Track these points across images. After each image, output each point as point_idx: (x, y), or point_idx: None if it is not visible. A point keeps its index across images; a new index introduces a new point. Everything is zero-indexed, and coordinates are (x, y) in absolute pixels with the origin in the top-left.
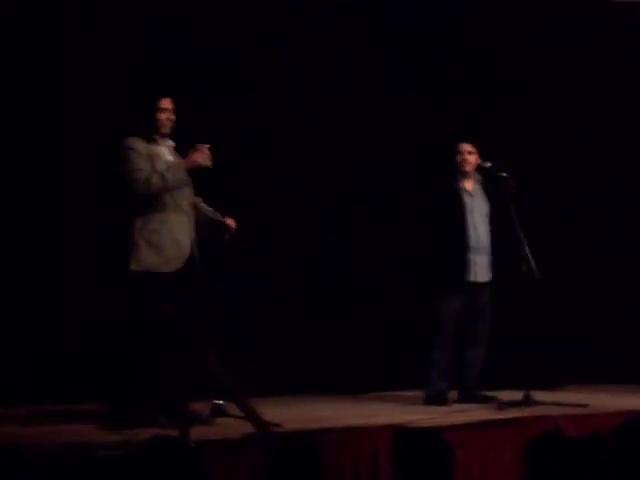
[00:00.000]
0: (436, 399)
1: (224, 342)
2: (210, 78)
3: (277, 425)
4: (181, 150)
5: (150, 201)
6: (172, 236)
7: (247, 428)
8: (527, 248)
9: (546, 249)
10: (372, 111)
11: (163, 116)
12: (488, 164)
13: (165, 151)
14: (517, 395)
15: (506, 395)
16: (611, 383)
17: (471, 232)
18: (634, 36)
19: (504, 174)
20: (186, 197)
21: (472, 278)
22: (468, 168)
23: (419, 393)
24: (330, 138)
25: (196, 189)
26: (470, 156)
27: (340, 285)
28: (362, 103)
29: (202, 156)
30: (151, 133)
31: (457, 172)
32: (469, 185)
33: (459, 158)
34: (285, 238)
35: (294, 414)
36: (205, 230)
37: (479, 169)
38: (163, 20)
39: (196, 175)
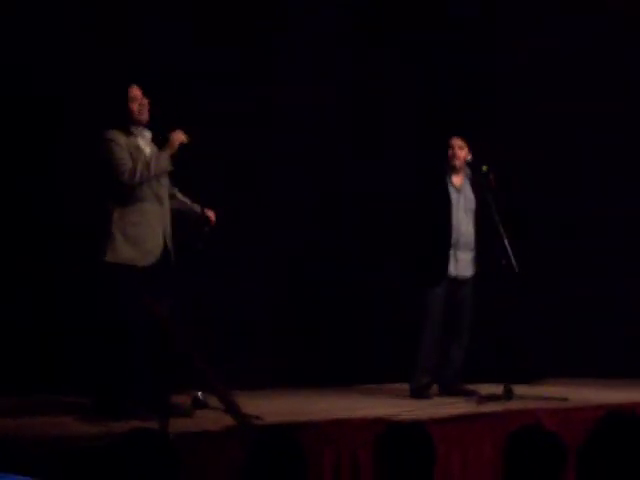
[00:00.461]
0: (419, 392)
1: (205, 335)
2: (210, 78)
3: (257, 417)
4: (158, 140)
5: (128, 192)
6: (149, 229)
7: (227, 420)
8: (507, 242)
9: (546, 250)
10: (372, 111)
11: (134, 105)
12: (469, 158)
13: (142, 142)
14: (497, 389)
15: (486, 389)
16: (591, 377)
17: (454, 228)
18: (634, 36)
19: (484, 168)
20: (164, 187)
21: (453, 273)
22: (457, 163)
23: (407, 386)
24: (330, 138)
25: (192, 187)
26: (460, 151)
27: (329, 280)
28: (362, 103)
29: (178, 136)
30: (127, 124)
31: (447, 167)
32: (457, 180)
33: (449, 152)
34: (284, 237)
35: (276, 407)
36: (184, 221)
37: (467, 164)
38: (163, 20)
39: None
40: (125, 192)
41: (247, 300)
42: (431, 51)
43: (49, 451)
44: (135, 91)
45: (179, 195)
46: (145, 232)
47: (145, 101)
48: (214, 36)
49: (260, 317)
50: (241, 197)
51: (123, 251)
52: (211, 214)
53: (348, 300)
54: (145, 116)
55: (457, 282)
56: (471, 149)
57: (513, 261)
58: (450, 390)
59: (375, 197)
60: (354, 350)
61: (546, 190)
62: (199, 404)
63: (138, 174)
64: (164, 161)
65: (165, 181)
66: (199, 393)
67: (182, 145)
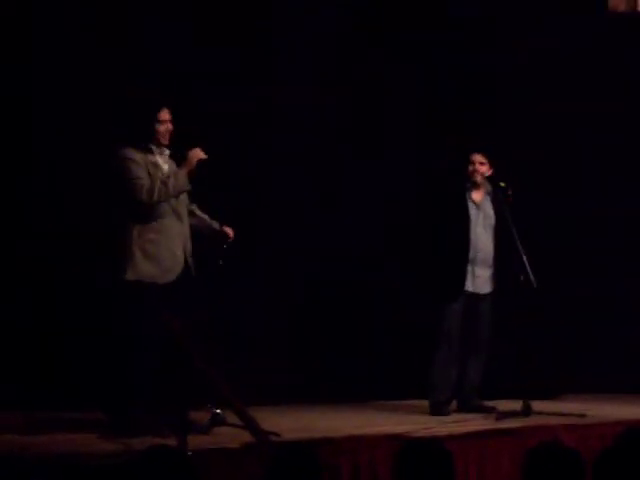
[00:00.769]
0: (437, 409)
1: (223, 350)
2: (210, 78)
3: (276, 434)
4: (177, 157)
5: (147, 210)
6: (169, 247)
7: (246, 437)
8: (525, 258)
9: (546, 250)
10: (372, 111)
11: (162, 128)
12: (489, 173)
13: (160, 160)
14: (516, 405)
15: (505, 405)
16: (609, 393)
17: (472, 244)
18: (634, 36)
19: (502, 184)
20: (183, 204)
21: (470, 289)
22: (479, 179)
23: (424, 402)
24: (330, 138)
25: (195, 192)
26: (481, 167)
27: (343, 291)
28: (362, 103)
29: (196, 154)
30: (147, 143)
31: (467, 182)
32: (477, 196)
33: (470, 168)
34: (285, 239)
35: (293, 423)
36: (203, 238)
37: (487, 179)
38: (163, 20)
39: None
40: (144, 210)
41: (258, 314)
42: (431, 51)
43: (68, 469)
44: (165, 115)
45: (198, 212)
46: (165, 249)
47: (171, 127)
48: (214, 36)
49: (274, 333)
50: (241, 197)
51: (143, 269)
52: (229, 231)
53: (352, 309)
54: (167, 140)
55: (475, 298)
56: (492, 165)
57: (531, 276)
58: (468, 407)
59: (375, 197)
60: (370, 365)
61: (546, 190)
62: (217, 421)
63: (156, 193)
64: (182, 179)
65: (184, 197)
66: (218, 410)
67: (200, 162)
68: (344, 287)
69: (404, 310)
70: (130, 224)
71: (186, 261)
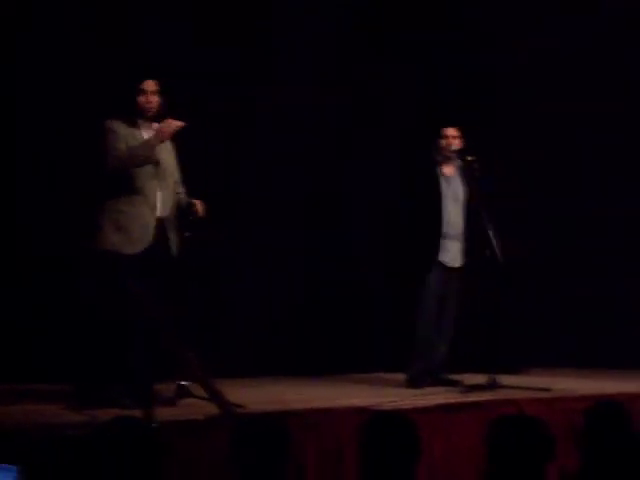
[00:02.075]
0: (415, 381)
1: (193, 323)
2: (210, 78)
3: (240, 406)
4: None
5: (120, 182)
6: (140, 218)
7: (211, 409)
8: (491, 233)
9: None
10: (372, 111)
11: (143, 99)
12: (455, 147)
13: (146, 134)
14: (481, 379)
15: (470, 379)
16: (575, 367)
17: (444, 218)
18: (634, 36)
19: (469, 157)
20: (167, 178)
21: (445, 264)
22: (452, 152)
23: (397, 375)
24: (330, 138)
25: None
26: (454, 140)
27: (321, 264)
28: (362, 103)
29: (168, 126)
30: (133, 116)
31: (438, 156)
32: (449, 170)
33: (443, 142)
34: (283, 236)
35: (261, 396)
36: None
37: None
38: (163, 20)
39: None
40: (116, 181)
41: (236, 292)
42: (431, 51)
43: (32, 439)
44: (147, 85)
45: (180, 189)
46: (134, 220)
47: (156, 99)
48: (214, 36)
49: (246, 307)
50: (241, 197)
51: (111, 238)
52: (199, 205)
53: (340, 291)
54: (151, 112)
55: (448, 271)
56: (463, 139)
57: (497, 251)
58: (436, 380)
59: (375, 196)
60: (343, 339)
61: (546, 190)
62: (183, 393)
63: (123, 162)
64: (149, 150)
65: (170, 172)
66: (183, 382)
67: (177, 131)
68: (322, 260)
69: (382, 282)
70: (104, 194)
71: (166, 239)
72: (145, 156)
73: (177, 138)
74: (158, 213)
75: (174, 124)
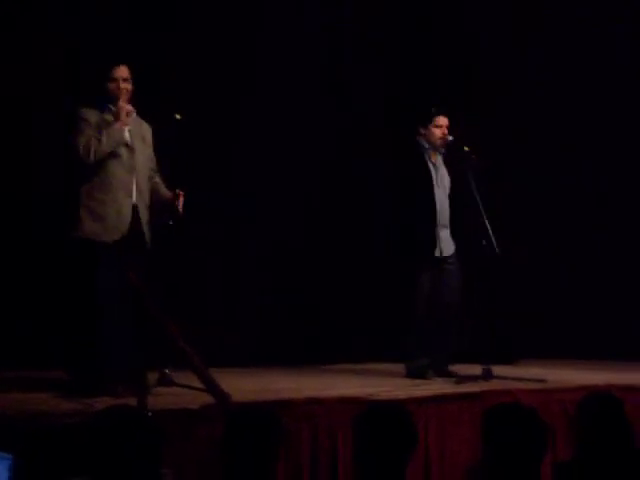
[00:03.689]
0: (417, 373)
1: (187, 312)
2: (209, 81)
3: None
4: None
5: (94, 169)
6: (115, 205)
7: (205, 398)
8: (487, 223)
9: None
10: (371, 111)
11: (113, 85)
12: (451, 138)
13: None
14: (476, 369)
15: (465, 370)
16: (570, 358)
17: (438, 206)
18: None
19: (466, 148)
20: (140, 165)
21: (438, 253)
22: (444, 142)
23: (394, 366)
24: (329, 138)
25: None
26: (447, 130)
27: (312, 254)
28: (362, 103)
29: (123, 108)
30: (105, 102)
31: (429, 145)
32: (435, 158)
33: (438, 131)
34: (276, 226)
35: (254, 385)
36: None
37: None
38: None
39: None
40: (90, 169)
41: (228, 281)
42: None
43: (26, 427)
44: (120, 72)
45: (157, 179)
46: (110, 208)
47: (128, 86)
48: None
49: (239, 296)
50: (240, 195)
51: (87, 227)
52: (180, 193)
53: (334, 281)
54: (125, 100)
55: (442, 261)
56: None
57: (494, 241)
58: (437, 372)
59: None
60: (341, 329)
61: (542, 180)
62: (165, 381)
63: (92, 151)
64: (117, 133)
65: (144, 160)
66: (166, 369)
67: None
68: (314, 252)
69: (375, 272)
70: (78, 183)
71: (141, 228)
72: (117, 140)
73: (158, 129)
74: (133, 200)
75: (126, 108)
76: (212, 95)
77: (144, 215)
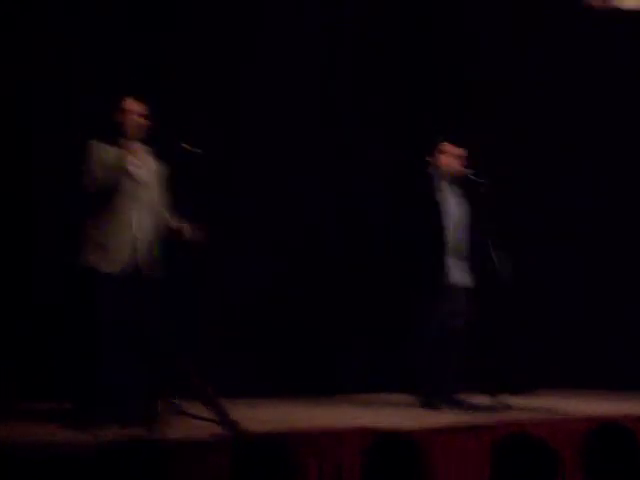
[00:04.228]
0: (426, 403)
1: (195, 343)
2: (208, 84)
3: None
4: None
5: (99, 199)
6: (120, 236)
7: (215, 428)
8: (499, 254)
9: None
10: (370, 111)
11: (126, 118)
12: (468, 170)
13: (131, 157)
14: (486, 400)
15: (475, 399)
16: (579, 389)
17: (450, 235)
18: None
19: (481, 180)
20: (149, 196)
21: (452, 282)
22: (460, 172)
23: (403, 396)
24: (325, 141)
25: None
26: (464, 161)
27: (325, 284)
28: (361, 103)
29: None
30: (117, 136)
31: (444, 175)
32: (450, 187)
33: (455, 162)
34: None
35: (263, 416)
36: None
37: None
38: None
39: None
40: (95, 199)
41: (234, 308)
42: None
43: (36, 458)
44: (130, 105)
45: (165, 214)
46: (109, 238)
47: (142, 120)
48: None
49: (247, 325)
50: (240, 198)
51: (89, 255)
52: (185, 227)
53: (343, 310)
54: (138, 134)
55: (456, 291)
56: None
57: (505, 273)
58: (445, 401)
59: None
60: (352, 359)
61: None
62: (174, 410)
63: (93, 181)
64: (114, 171)
65: (146, 192)
66: (174, 400)
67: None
68: (321, 281)
69: (386, 302)
70: (85, 212)
71: (140, 260)
72: (115, 178)
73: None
74: (133, 232)
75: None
76: (212, 95)
77: (143, 248)
